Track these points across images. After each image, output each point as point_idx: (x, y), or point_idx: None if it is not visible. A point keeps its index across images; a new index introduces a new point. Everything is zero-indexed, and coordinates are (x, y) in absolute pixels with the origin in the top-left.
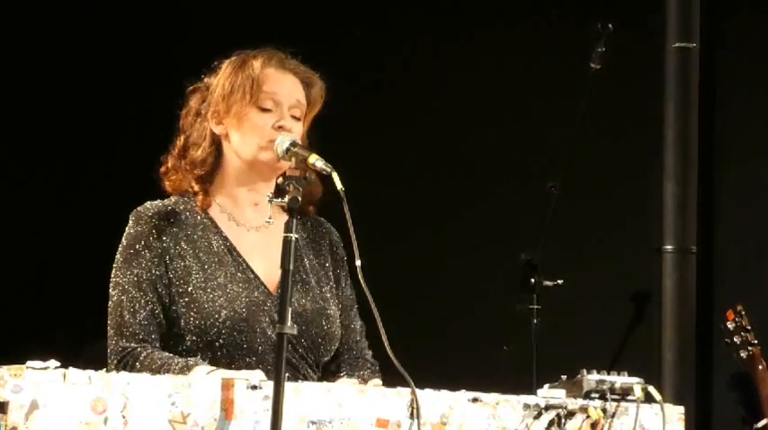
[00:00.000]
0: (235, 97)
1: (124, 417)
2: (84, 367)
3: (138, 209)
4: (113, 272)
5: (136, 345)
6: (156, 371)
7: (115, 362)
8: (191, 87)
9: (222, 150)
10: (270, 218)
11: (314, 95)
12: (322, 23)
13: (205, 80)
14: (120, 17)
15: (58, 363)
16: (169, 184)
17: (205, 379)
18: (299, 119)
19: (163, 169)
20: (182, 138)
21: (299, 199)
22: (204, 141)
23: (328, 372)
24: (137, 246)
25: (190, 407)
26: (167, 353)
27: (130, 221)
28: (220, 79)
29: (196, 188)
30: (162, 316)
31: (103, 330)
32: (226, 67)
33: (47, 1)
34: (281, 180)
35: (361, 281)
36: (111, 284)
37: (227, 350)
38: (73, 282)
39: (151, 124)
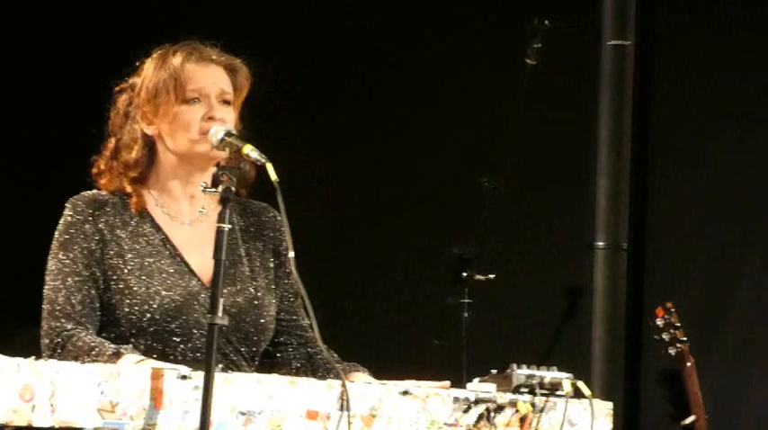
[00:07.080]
0: (160, 98)
1: (52, 405)
2: (15, 355)
3: (74, 197)
4: (49, 258)
5: (70, 326)
6: (86, 353)
7: (46, 342)
8: (117, 88)
9: (155, 149)
10: (203, 208)
11: (240, 81)
12: (266, 24)
13: (130, 80)
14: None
15: None
16: (102, 185)
17: (134, 368)
18: (228, 103)
19: (95, 170)
20: (112, 140)
21: (233, 189)
22: (136, 143)
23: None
24: (71, 231)
25: (119, 396)
26: (100, 338)
27: (66, 209)
28: (144, 80)
29: (129, 190)
30: (98, 301)
31: (35, 319)
32: (147, 67)
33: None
34: (215, 170)
35: (294, 272)
36: (46, 271)
37: (160, 337)
38: (4, 270)
39: (78, 119)
